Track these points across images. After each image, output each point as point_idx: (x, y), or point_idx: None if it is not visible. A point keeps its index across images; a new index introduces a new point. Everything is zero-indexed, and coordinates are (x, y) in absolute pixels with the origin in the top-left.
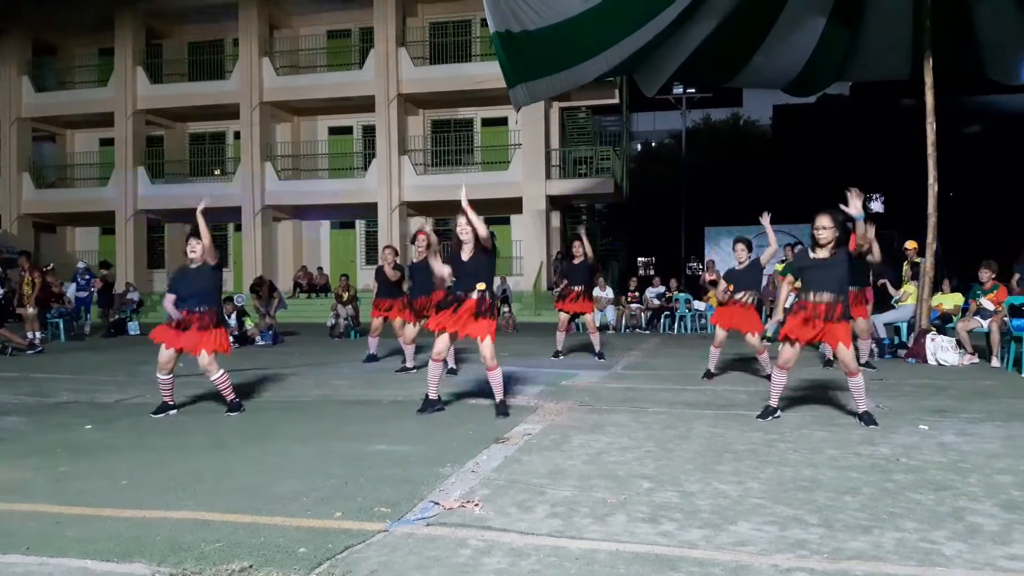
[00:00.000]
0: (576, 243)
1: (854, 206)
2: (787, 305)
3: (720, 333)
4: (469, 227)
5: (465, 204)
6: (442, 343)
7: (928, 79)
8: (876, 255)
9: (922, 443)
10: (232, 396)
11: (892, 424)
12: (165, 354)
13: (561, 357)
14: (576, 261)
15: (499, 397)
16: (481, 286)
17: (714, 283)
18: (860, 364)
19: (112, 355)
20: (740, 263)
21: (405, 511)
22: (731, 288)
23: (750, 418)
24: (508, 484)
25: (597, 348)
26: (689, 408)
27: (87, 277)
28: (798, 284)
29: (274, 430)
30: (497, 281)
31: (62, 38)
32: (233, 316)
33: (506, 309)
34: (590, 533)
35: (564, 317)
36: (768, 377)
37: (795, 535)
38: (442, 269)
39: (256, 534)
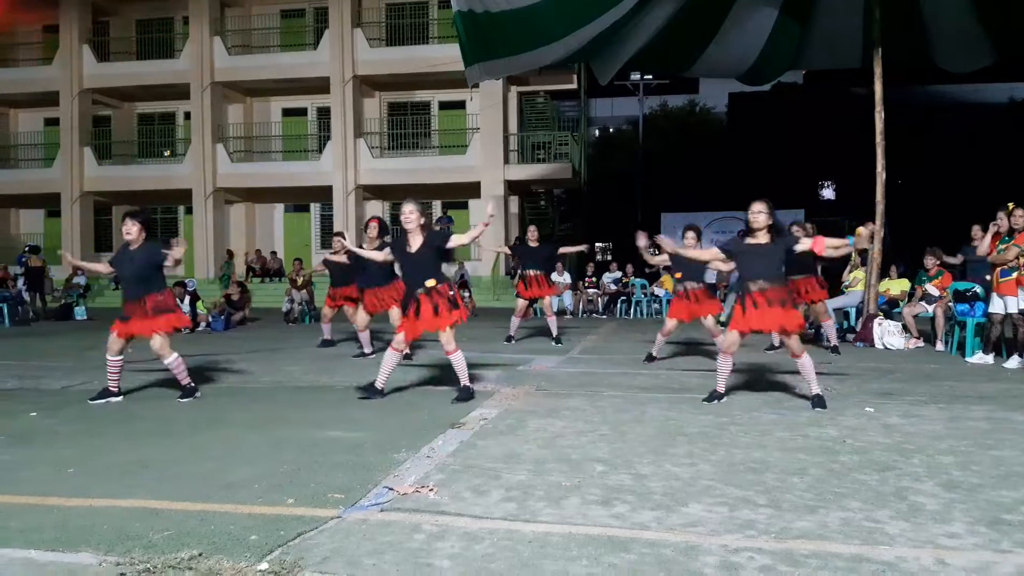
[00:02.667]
0: (532, 227)
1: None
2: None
3: (671, 323)
4: (414, 215)
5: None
6: (403, 336)
7: (877, 69)
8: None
9: (868, 425)
10: (187, 380)
11: (839, 406)
12: (116, 339)
13: (513, 342)
14: (532, 244)
15: (463, 381)
16: (431, 282)
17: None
18: (830, 347)
19: (58, 341)
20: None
21: (359, 497)
22: (679, 276)
23: (702, 402)
24: (463, 469)
25: (554, 332)
26: (643, 392)
27: (22, 260)
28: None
29: (225, 417)
30: (456, 267)
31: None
32: (186, 300)
33: (465, 294)
34: (544, 516)
35: (522, 303)
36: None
37: (744, 516)
38: (374, 256)
39: (206, 522)
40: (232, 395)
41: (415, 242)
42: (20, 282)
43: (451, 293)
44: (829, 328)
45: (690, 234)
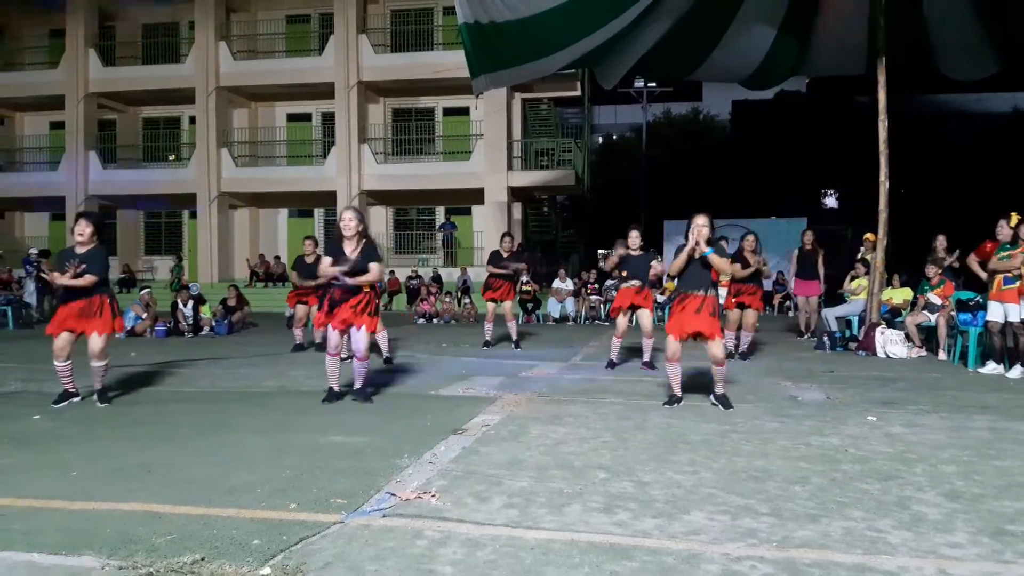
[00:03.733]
0: (506, 237)
1: (698, 249)
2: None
3: (622, 321)
4: (353, 223)
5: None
6: (336, 337)
7: (881, 78)
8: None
9: (870, 434)
10: (100, 385)
11: (841, 415)
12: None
13: (489, 347)
14: (504, 254)
15: (358, 384)
16: (367, 287)
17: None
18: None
19: None
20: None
21: (361, 502)
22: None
23: (705, 409)
24: (465, 475)
25: (514, 337)
26: (645, 399)
27: (31, 264)
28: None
29: (228, 421)
30: (458, 272)
31: (11, 18)
32: (189, 304)
33: (467, 300)
34: (546, 523)
35: (492, 307)
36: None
37: (746, 524)
38: (328, 271)
39: (209, 526)
40: (235, 399)
41: (349, 247)
42: (27, 285)
43: (376, 302)
44: (743, 336)
45: (633, 233)
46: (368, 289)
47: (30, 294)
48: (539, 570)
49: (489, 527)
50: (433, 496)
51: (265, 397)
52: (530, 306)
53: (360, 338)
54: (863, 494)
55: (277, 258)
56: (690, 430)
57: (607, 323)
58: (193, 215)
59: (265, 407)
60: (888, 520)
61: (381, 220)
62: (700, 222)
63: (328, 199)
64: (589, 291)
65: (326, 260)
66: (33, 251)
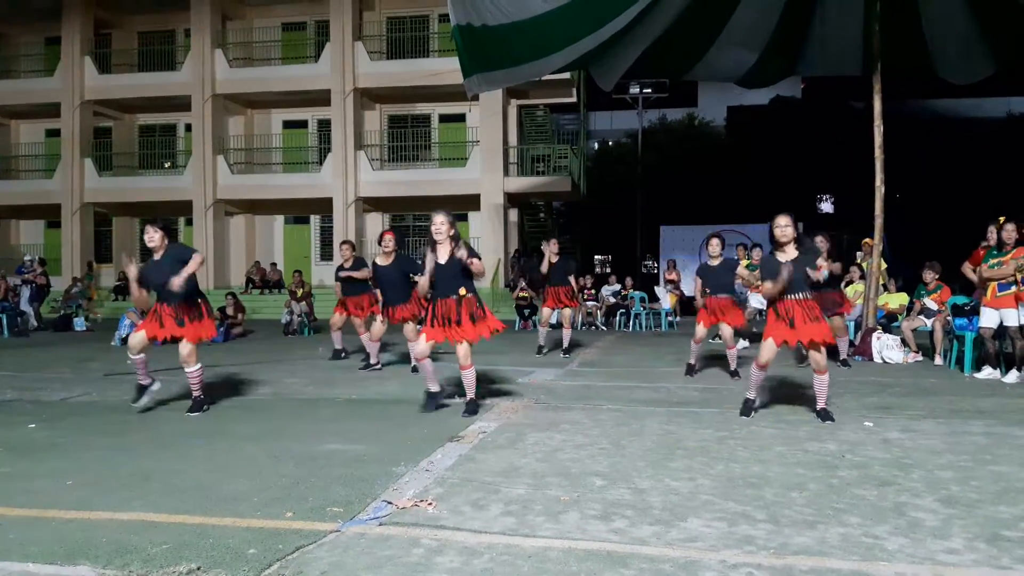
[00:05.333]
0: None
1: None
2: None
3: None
4: (445, 227)
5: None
6: (424, 344)
7: (876, 84)
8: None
9: (867, 440)
10: (198, 393)
11: (838, 421)
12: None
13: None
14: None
15: (470, 395)
16: (462, 291)
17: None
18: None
19: (57, 352)
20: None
21: (358, 511)
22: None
23: (702, 415)
24: (462, 483)
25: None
26: (643, 405)
27: (23, 271)
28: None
29: (224, 429)
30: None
31: (7, 26)
32: None
33: None
34: (543, 531)
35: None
36: (732, 374)
37: (743, 531)
38: (424, 281)
39: (204, 535)
40: (231, 407)
41: (444, 253)
42: (23, 293)
43: (480, 306)
44: (841, 343)
45: (715, 241)
46: (469, 294)
47: (25, 302)
48: None
49: (486, 535)
50: (430, 504)
51: (262, 405)
52: (527, 312)
53: (466, 352)
54: (860, 500)
55: (273, 265)
56: (687, 437)
57: (603, 329)
58: (189, 222)
59: (262, 415)
60: (885, 526)
61: (377, 227)
62: (782, 222)
63: (324, 206)
64: (586, 297)
65: (428, 265)
66: (28, 258)
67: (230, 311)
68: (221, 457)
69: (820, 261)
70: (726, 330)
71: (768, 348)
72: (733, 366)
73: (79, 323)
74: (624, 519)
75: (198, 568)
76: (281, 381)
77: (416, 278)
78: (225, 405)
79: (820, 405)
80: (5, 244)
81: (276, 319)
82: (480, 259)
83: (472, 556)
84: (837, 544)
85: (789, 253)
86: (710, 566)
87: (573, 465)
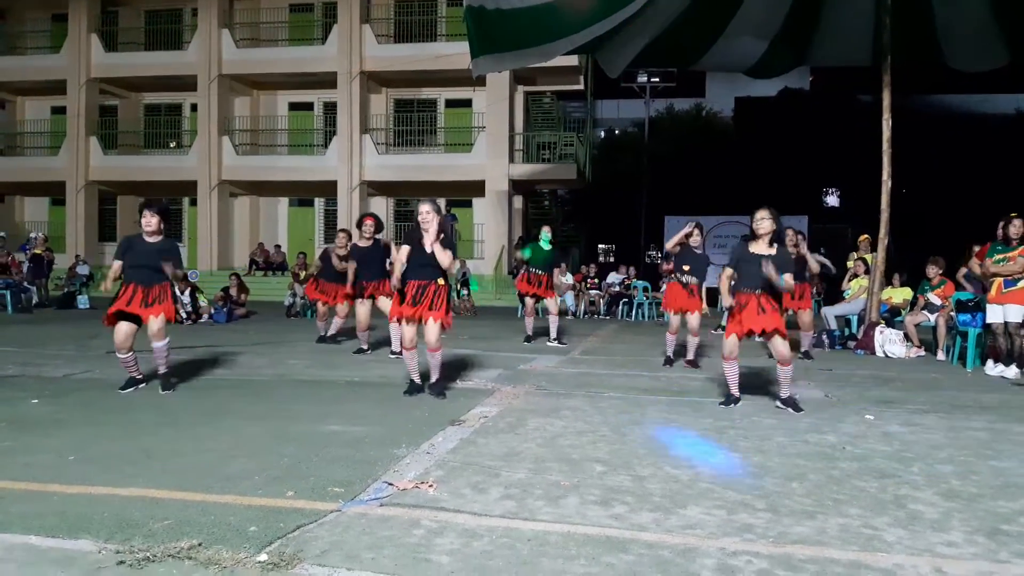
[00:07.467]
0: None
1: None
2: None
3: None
4: (431, 215)
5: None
6: (410, 332)
7: (886, 77)
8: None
9: (868, 432)
10: (165, 369)
11: (839, 413)
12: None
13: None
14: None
15: (434, 376)
16: (440, 281)
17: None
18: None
19: (61, 328)
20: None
21: (358, 491)
22: (687, 268)
23: (703, 404)
24: (463, 466)
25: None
26: (644, 394)
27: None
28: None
29: (226, 409)
30: (458, 264)
31: (13, 2)
32: (187, 292)
33: (464, 292)
34: (543, 515)
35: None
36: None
37: (742, 519)
38: (400, 258)
39: (206, 512)
40: (234, 387)
41: (428, 241)
42: (25, 269)
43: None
44: (805, 337)
45: (695, 231)
46: (442, 282)
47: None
48: (535, 561)
49: (486, 518)
50: (430, 486)
51: (264, 385)
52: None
53: (432, 330)
54: (860, 492)
55: (277, 247)
56: (688, 425)
57: (606, 317)
58: (193, 203)
59: (264, 395)
60: (884, 518)
61: (381, 211)
62: (761, 216)
63: (329, 189)
64: (588, 285)
65: (404, 251)
66: (33, 235)
67: (233, 291)
68: (223, 436)
69: (787, 277)
70: (693, 319)
71: (730, 341)
72: (691, 355)
73: (82, 301)
74: (624, 505)
75: (199, 544)
76: (283, 362)
77: (391, 260)
78: (227, 385)
79: (785, 394)
80: (9, 221)
81: (279, 301)
82: (452, 252)
83: (472, 538)
84: (836, 534)
85: (761, 246)
86: (709, 553)
87: (573, 451)
